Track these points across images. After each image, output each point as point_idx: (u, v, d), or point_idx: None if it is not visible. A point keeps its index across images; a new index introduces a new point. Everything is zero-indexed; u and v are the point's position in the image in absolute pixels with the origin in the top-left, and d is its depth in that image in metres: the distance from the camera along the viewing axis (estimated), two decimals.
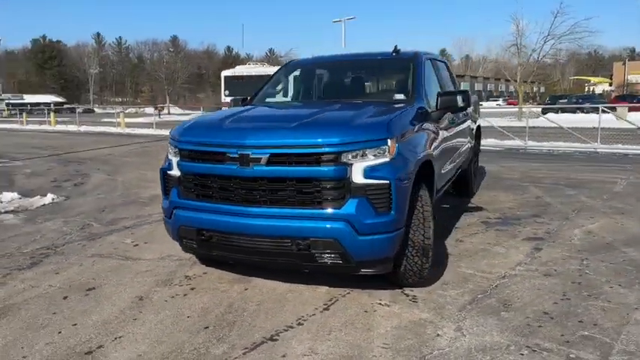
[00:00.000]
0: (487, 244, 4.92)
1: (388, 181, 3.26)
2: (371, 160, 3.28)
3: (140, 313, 3.50)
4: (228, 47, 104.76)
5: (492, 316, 3.35)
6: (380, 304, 3.57)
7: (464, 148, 5.96)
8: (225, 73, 26.22)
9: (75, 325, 3.33)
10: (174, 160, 3.74)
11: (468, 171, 6.78)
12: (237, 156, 3.38)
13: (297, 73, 5.45)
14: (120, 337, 3.14)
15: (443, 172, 4.62)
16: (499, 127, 16.42)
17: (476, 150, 7.18)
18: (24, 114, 35.40)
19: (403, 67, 4.71)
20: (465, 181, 6.96)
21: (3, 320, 3.42)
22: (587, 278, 3.98)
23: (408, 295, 3.71)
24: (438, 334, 3.11)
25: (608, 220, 5.76)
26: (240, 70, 26.23)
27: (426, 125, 4.12)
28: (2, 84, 74.07)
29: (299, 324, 3.28)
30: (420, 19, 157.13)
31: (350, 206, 3.25)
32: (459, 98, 4.36)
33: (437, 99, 4.38)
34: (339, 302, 3.61)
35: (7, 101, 63.28)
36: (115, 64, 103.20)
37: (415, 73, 4.58)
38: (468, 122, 6.18)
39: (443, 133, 4.59)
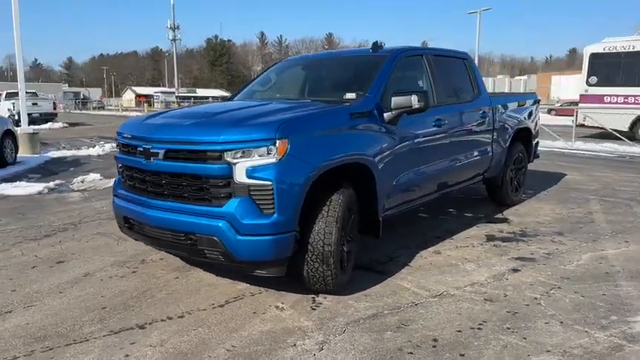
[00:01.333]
0: (464, 259, 4.46)
1: (270, 183, 3.19)
2: (255, 161, 3.22)
3: (72, 287, 3.90)
4: (376, 42, 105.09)
5: (374, 334, 3.08)
6: (277, 307, 3.50)
7: (474, 154, 5.40)
8: (590, 49, 16.59)
9: (14, 291, 3.85)
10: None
11: (499, 179, 6.13)
12: (142, 150, 3.58)
13: (282, 70, 5.46)
14: (31, 307, 3.56)
15: (403, 180, 4.27)
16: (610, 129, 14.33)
17: (518, 156, 6.42)
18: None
19: (372, 66, 4.44)
20: (496, 190, 6.32)
21: None
22: (531, 309, 3.42)
23: (314, 302, 3.57)
24: (295, 345, 2.97)
25: None
26: (615, 44, 16.18)
27: (365, 126, 3.88)
28: (180, 79, 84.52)
29: (180, 317, 3.37)
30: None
31: (231, 205, 3.25)
32: (414, 98, 4.00)
33: (390, 99, 4.08)
34: (241, 300, 3.62)
35: (176, 94, 72.14)
36: (276, 61, 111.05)
37: (379, 72, 4.30)
38: (486, 125, 5.57)
39: (406, 137, 4.26)
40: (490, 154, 5.73)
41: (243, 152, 3.23)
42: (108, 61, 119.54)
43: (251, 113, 3.67)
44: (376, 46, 4.68)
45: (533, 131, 6.72)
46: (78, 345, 2.99)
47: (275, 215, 3.21)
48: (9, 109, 22.67)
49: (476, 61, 45.92)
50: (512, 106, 6.22)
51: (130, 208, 3.75)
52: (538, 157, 7.37)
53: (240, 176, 3.22)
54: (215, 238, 3.28)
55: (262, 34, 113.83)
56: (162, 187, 3.56)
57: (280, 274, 3.43)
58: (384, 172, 4.02)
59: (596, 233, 5.24)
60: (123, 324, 3.26)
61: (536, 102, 6.96)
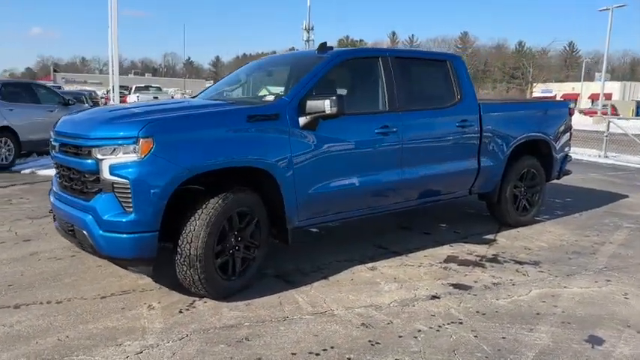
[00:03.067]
0: (393, 278, 4.08)
1: (127, 181, 3.22)
2: (119, 158, 3.27)
3: (8, 263, 4.29)
4: (520, 42, 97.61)
5: (207, 345, 2.96)
6: (149, 305, 3.52)
7: (447, 167, 4.87)
8: None
9: None
10: None
11: (495, 196, 5.48)
12: (51, 142, 3.83)
13: (247, 69, 5.39)
14: None
15: (323, 190, 4.00)
16: None
17: (527, 172, 5.68)
18: None
19: (306, 68, 4.22)
20: (494, 207, 5.67)
21: None
22: (398, 343, 3.04)
23: (190, 305, 3.52)
24: (119, 345, 2.96)
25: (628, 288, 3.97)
26: None
27: (269, 130, 3.72)
28: None
29: (58, 302, 3.54)
30: None
31: (96, 201, 3.34)
32: (327, 103, 3.73)
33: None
34: (126, 294, 3.69)
35: None
36: None
37: (306, 74, 4.09)
38: (468, 135, 4.99)
39: (328, 143, 3.98)
40: (475, 167, 5.14)
41: (109, 149, 3.30)
42: (250, 59, 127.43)
43: (134, 112, 3.72)
44: (322, 47, 4.44)
45: (554, 144, 5.88)
46: None
47: (132, 214, 3.23)
48: (134, 101, 25.51)
49: (604, 63, 40.82)
50: (516, 114, 5.51)
51: (51, 199, 4.02)
52: (568, 173, 6.44)
53: (105, 173, 3.29)
54: (84, 232, 3.39)
55: (393, 33, 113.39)
56: (62, 178, 3.78)
57: (148, 273, 3.45)
58: (295, 180, 3.83)
59: (582, 267, 4.46)
60: (5, 302, 3.52)
61: (566, 110, 6.08)
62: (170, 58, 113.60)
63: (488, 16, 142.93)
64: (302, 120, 3.86)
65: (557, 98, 42.00)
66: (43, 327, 3.16)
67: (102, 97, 29.92)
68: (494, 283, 4.05)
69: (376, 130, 4.31)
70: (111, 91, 13.54)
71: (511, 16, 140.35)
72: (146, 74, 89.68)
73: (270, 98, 4.03)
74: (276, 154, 3.73)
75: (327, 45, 4.46)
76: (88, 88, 35.95)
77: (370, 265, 4.40)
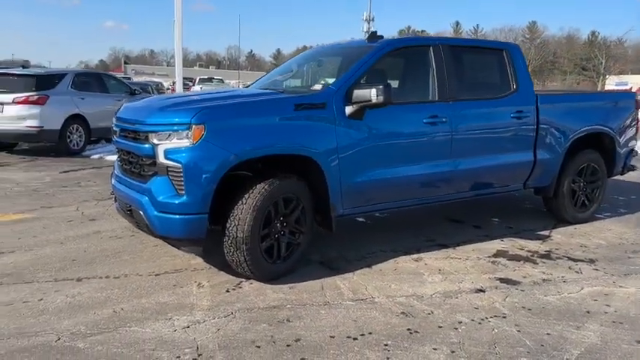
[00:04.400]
0: (438, 270, 4.05)
1: (180, 165, 3.39)
2: (173, 143, 3.45)
3: (73, 240, 4.61)
4: (593, 32, 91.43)
5: (250, 324, 3.09)
6: (199, 284, 3.69)
7: (501, 159, 4.74)
8: None
9: (34, 237, 4.72)
10: None
11: (551, 190, 5.27)
12: (113, 127, 4.08)
13: (300, 59, 5.44)
14: (29, 251, 4.35)
15: (368, 179, 4.02)
16: None
17: (587, 166, 5.43)
18: None
19: (355, 57, 4.23)
20: (550, 202, 5.46)
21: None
22: (437, 333, 3.04)
23: (237, 285, 3.66)
24: (169, 319, 3.14)
25: None
26: None
27: (315, 119, 3.78)
28: None
29: (116, 277, 3.79)
30: None
31: (152, 183, 3.54)
32: (373, 92, 3.74)
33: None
34: (178, 273, 3.89)
35: None
36: None
37: (355, 63, 4.10)
38: (523, 126, 4.83)
39: (374, 133, 4.00)
40: (531, 160, 4.97)
41: (164, 135, 3.48)
42: None
43: (188, 100, 3.88)
44: (373, 36, 4.44)
45: (617, 137, 5.57)
46: (20, 285, 3.61)
47: (184, 197, 3.40)
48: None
49: None
50: (576, 106, 5.26)
51: (112, 182, 4.28)
52: (634, 169, 6.08)
53: (160, 157, 3.48)
54: (141, 212, 3.61)
55: (457, 23, 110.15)
56: (122, 162, 4.03)
57: (199, 253, 3.62)
58: (340, 168, 3.87)
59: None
60: (69, 275, 3.81)
61: (632, 101, 5.74)
62: (233, 51, 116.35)
63: (559, 5, 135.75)
64: (348, 109, 3.89)
65: (633, 90, 39.29)
66: (101, 299, 3.40)
67: (168, 88, 31.10)
68: (544, 280, 3.93)
69: (424, 120, 4.27)
70: (176, 83, 14.15)
71: (583, 4, 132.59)
72: (210, 67, 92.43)
73: (318, 87, 4.09)
74: (321, 143, 3.79)
75: (379, 34, 4.45)
76: (155, 80, 37.50)
77: (415, 256, 4.38)
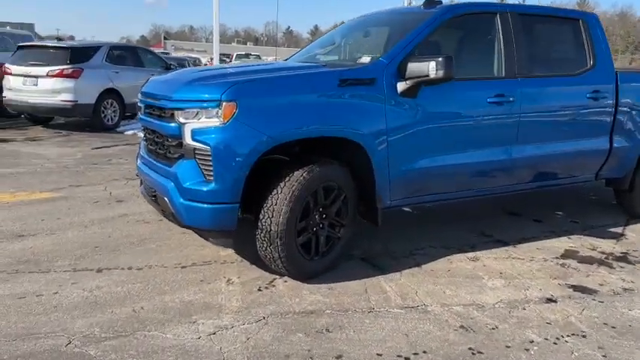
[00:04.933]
0: (499, 273, 3.54)
1: (208, 147, 2.97)
2: (201, 123, 3.03)
3: (98, 224, 4.31)
4: None
5: (283, 332, 2.69)
6: (229, 280, 3.30)
7: (572, 146, 4.14)
8: None
9: (58, 219, 4.44)
10: None
11: (627, 182, 4.63)
12: (138, 103, 3.69)
13: (343, 29, 4.88)
14: (51, 234, 4.06)
15: (421, 167, 3.52)
16: None
17: None
18: None
19: (410, 25, 3.68)
20: (624, 195, 4.83)
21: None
22: (504, 355, 2.55)
23: (270, 283, 3.26)
24: (194, 322, 2.77)
25: None
26: None
27: (362, 96, 3.28)
28: None
29: (139, 269, 3.45)
30: None
31: (178, 167, 3.14)
32: (431, 66, 3.20)
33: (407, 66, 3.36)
34: (206, 265, 3.51)
35: None
36: None
37: (409, 32, 3.56)
38: (600, 108, 4.20)
39: (430, 114, 3.48)
40: (606, 148, 4.34)
41: (192, 113, 3.06)
42: None
43: (220, 73, 3.44)
44: (429, 1, 3.87)
45: None
46: (36, 274, 3.31)
47: (213, 183, 2.99)
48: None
49: None
50: None
51: (137, 163, 3.92)
52: None
53: (187, 138, 3.07)
54: (166, 199, 3.23)
55: None
56: (147, 141, 3.65)
57: (229, 245, 3.22)
58: (389, 154, 3.38)
59: None
60: (89, 265, 3.49)
61: None
62: (271, 28, 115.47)
63: None
64: (401, 86, 3.37)
65: None
66: (120, 295, 3.06)
67: (205, 64, 30.94)
68: (625, 289, 3.37)
69: (489, 100, 3.71)
70: (213, 59, 13.80)
71: None
72: (248, 43, 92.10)
73: (366, 60, 3.57)
74: (369, 124, 3.31)
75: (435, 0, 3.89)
76: (193, 55, 37.40)
77: (471, 254, 3.87)
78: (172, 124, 3.14)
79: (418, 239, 4.11)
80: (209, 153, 2.97)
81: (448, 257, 3.79)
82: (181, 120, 3.08)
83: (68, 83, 8.91)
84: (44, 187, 5.45)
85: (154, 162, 3.45)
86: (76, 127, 9.81)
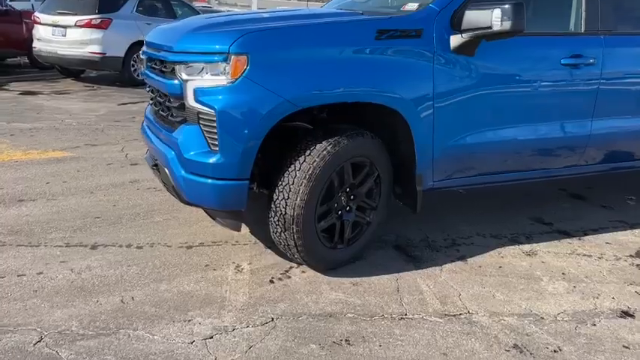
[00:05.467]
0: (561, 274, 2.94)
1: (213, 111, 2.44)
2: (205, 80, 2.49)
3: (106, 190, 3.91)
4: None
5: (291, 342, 2.21)
6: (238, 266, 2.84)
7: None
8: None
9: (65, 182, 4.07)
10: None
11: None
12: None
13: None
14: (51, 200, 3.69)
15: (473, 142, 2.90)
16: None
17: None
18: None
19: None
20: None
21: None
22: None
23: (284, 274, 2.78)
24: (189, 321, 2.33)
25: None
26: None
27: (406, 52, 2.66)
28: None
29: (138, 247, 3.02)
30: None
31: (179, 133, 2.63)
32: (496, 15, 2.52)
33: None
34: (216, 247, 3.06)
35: None
36: None
37: None
38: None
39: (489, 76, 2.83)
40: None
41: (196, 68, 2.52)
42: None
43: (232, 20, 2.87)
44: None
45: None
46: (24, 248, 2.94)
47: (218, 155, 2.48)
48: None
49: None
50: None
51: (143, 125, 3.45)
52: None
53: (189, 98, 2.54)
54: (167, 170, 2.75)
55: None
56: (152, 101, 3.16)
57: (236, 228, 2.74)
58: (435, 125, 2.78)
59: None
60: (85, 239, 3.09)
61: None
62: None
63: None
64: (455, 40, 2.72)
65: None
66: (111, 280, 2.65)
67: None
68: None
69: (563, 61, 3.01)
70: None
71: None
72: None
73: (412, 7, 2.91)
74: (411, 88, 2.69)
75: None
76: (236, 10, 36.62)
77: (527, 247, 3.26)
78: (174, 81, 2.62)
79: (463, 225, 3.52)
80: (214, 118, 2.44)
81: (499, 250, 3.20)
82: (183, 76, 2.55)
83: (96, 34, 8.51)
84: (59, 145, 5.11)
85: (157, 125, 2.96)
86: (106, 81, 9.48)
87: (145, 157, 3.39)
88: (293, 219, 2.55)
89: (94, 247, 2.99)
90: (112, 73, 9.49)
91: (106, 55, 8.58)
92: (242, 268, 2.83)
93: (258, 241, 3.14)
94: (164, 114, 2.86)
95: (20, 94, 7.94)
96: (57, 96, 7.95)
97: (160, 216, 3.49)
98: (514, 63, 2.89)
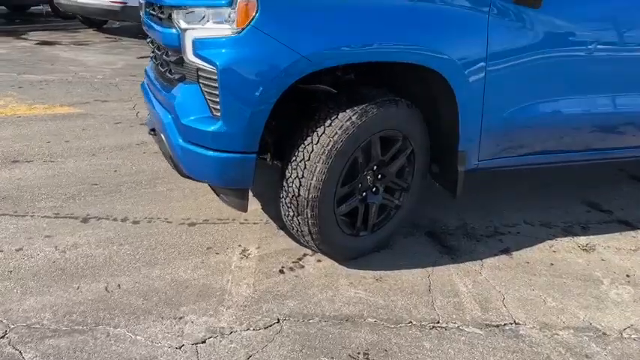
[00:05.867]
0: (625, 276, 2.46)
1: (214, 68, 2.01)
2: (206, 30, 2.05)
3: (110, 152, 3.57)
4: None
5: (299, 353, 1.84)
6: (245, 250, 2.47)
7: None
8: None
9: (67, 141, 3.74)
10: None
11: None
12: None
13: None
14: (48, 162, 3.36)
15: (532, 114, 2.40)
16: None
17: None
18: None
19: None
20: None
21: None
22: None
23: (297, 263, 2.40)
24: (180, 318, 1.97)
25: None
26: None
27: (446, 1, 2.15)
28: None
29: (135, 222, 2.67)
30: None
31: (177, 94, 2.22)
32: None
33: None
34: (222, 225, 2.70)
35: None
36: None
37: None
38: None
39: (556, 32, 2.30)
40: None
41: (196, 14, 2.07)
42: None
43: None
44: None
45: None
46: (10, 218, 2.62)
47: (220, 122, 2.06)
48: None
49: None
50: None
51: (144, 81, 3.04)
52: None
53: (188, 51, 2.11)
54: (163, 137, 2.36)
55: None
56: (152, 53, 2.74)
57: (242, 209, 2.34)
58: (487, 92, 2.28)
59: None
60: (77, 210, 2.75)
61: None
62: None
63: None
64: None
65: None
66: (98, 261, 2.31)
67: None
68: None
69: None
70: None
71: None
72: None
73: None
74: (461, 45, 2.20)
75: None
76: None
77: (583, 240, 2.78)
78: (171, 30, 2.18)
79: (508, 210, 3.05)
80: (215, 77, 2.01)
81: (550, 242, 2.73)
82: (181, 24, 2.11)
83: None
84: (67, 100, 4.77)
85: (156, 84, 2.55)
86: (129, 33, 9.08)
87: (147, 120, 3.00)
88: (307, 202, 2.13)
89: (85, 220, 2.66)
90: (134, 24, 9.05)
91: (127, 4, 8.11)
92: (249, 253, 2.45)
93: (270, 220, 2.76)
94: (162, 70, 2.44)
95: (37, 44, 7.64)
96: (75, 47, 7.61)
97: (163, 185, 3.13)
98: (590, 18, 2.34)
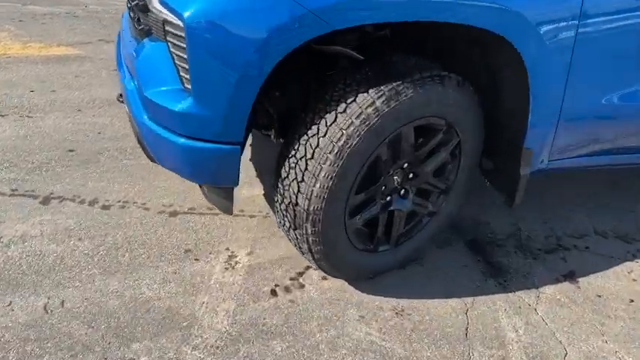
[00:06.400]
0: None
1: (180, 21, 1.39)
2: None
3: (98, 109, 3.06)
4: None
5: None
6: (232, 257, 1.95)
7: None
8: None
9: (53, 91, 3.24)
10: None
11: None
12: None
13: None
14: (24, 118, 2.88)
15: (624, 101, 1.72)
16: None
17: None
18: None
19: None
20: None
21: None
22: None
23: (295, 280, 1.87)
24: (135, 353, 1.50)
25: None
26: None
27: None
28: None
29: (105, 207, 2.18)
30: None
31: (140, 52, 1.64)
32: None
33: None
34: (212, 217, 2.17)
35: None
36: None
37: None
38: None
39: None
40: None
41: None
42: None
43: None
44: None
45: None
46: None
47: (190, 99, 1.47)
48: None
49: None
50: None
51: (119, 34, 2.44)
52: None
53: None
54: (127, 109, 1.80)
55: None
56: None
57: (226, 212, 1.78)
58: (572, 72, 1.61)
59: None
60: (41, 186, 2.27)
61: None
62: None
63: None
64: None
65: None
66: (46, 264, 1.83)
67: None
68: None
69: None
70: None
71: None
72: None
73: None
74: (539, 6, 1.50)
75: None
76: None
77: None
78: None
79: (574, 214, 2.39)
80: (183, 33, 1.40)
81: (629, 265, 2.09)
82: None
83: None
84: (68, 38, 4.24)
85: (126, 36, 1.96)
86: None
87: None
88: (308, 215, 1.55)
89: (45, 201, 2.18)
90: None
91: None
92: (237, 261, 1.93)
93: (268, 213, 2.21)
94: (132, 16, 1.84)
95: None
96: None
97: (146, 159, 2.60)
98: None
